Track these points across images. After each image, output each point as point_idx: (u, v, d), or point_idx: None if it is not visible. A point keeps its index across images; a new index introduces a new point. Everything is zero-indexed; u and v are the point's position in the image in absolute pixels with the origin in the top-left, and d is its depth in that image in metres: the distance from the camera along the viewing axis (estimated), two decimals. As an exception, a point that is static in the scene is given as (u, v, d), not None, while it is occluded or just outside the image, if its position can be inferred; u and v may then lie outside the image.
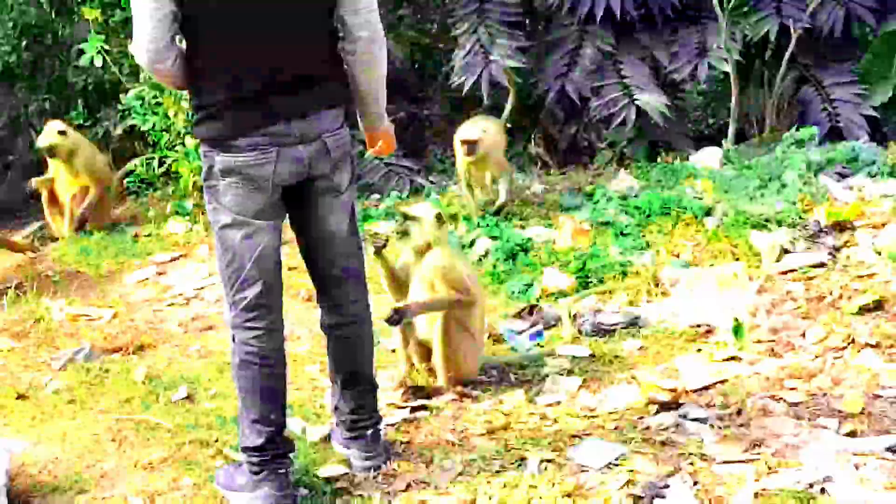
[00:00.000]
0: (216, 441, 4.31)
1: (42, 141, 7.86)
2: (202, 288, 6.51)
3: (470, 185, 7.25)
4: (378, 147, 4.22)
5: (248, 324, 3.77)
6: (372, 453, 4.06)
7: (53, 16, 9.27)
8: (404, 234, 4.73)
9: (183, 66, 3.62)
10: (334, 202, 3.80)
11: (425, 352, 4.81)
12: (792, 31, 8.13)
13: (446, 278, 4.65)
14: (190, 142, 7.80)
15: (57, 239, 7.97)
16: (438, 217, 4.70)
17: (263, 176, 3.62)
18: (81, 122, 8.88)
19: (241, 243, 3.68)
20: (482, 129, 7.11)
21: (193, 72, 3.62)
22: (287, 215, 3.83)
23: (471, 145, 7.00)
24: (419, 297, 4.70)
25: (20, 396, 4.98)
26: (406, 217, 4.73)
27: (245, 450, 3.84)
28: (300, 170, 3.66)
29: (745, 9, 8.38)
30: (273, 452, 3.81)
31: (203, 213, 7.63)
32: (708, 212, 6.19)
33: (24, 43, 8.89)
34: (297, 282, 6.38)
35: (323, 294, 4.01)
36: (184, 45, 3.62)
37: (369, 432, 4.08)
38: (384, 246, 4.72)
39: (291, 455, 3.94)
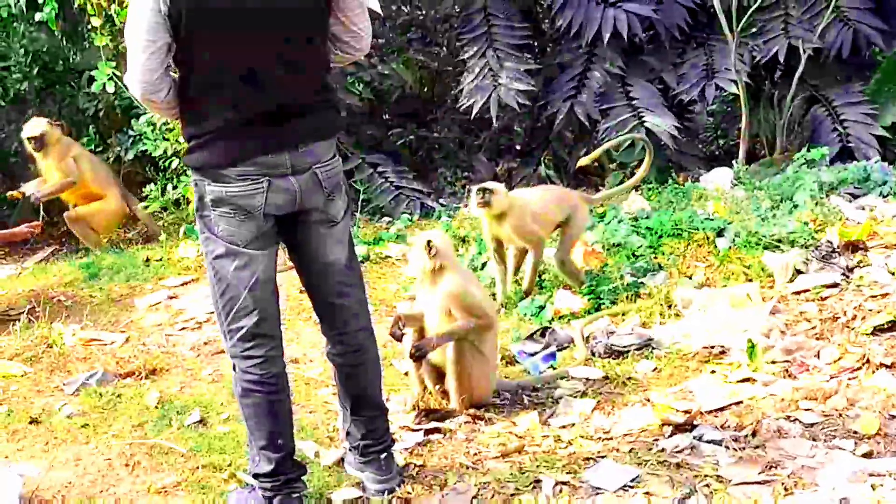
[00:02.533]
0: (229, 465, 4.29)
1: (31, 130, 8.00)
2: (213, 313, 6.50)
3: (499, 256, 6.15)
4: None
5: (247, 353, 3.77)
6: (385, 476, 4.04)
7: (64, 42, 9.32)
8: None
9: (175, 96, 3.64)
10: (330, 233, 3.81)
11: (438, 374, 4.80)
12: (801, 51, 8.14)
13: (462, 304, 4.63)
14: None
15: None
16: (428, 245, 4.64)
17: (254, 206, 3.62)
18: (93, 147, 8.92)
19: (234, 273, 3.68)
20: (505, 190, 5.97)
21: (185, 101, 3.65)
22: (282, 243, 3.84)
23: (485, 193, 5.88)
24: (435, 324, 4.69)
25: (33, 421, 4.97)
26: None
27: (256, 476, 3.86)
28: (291, 200, 3.67)
29: (754, 30, 8.40)
30: (285, 477, 3.82)
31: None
32: (720, 233, 6.17)
33: (35, 70, 8.93)
34: (309, 305, 6.38)
35: (325, 323, 4.02)
36: (176, 75, 3.64)
37: (382, 456, 4.06)
38: (402, 336, 4.81)
39: (304, 478, 3.94)
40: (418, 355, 4.68)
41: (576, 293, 5.88)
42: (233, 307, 3.73)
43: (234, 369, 3.84)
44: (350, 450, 4.16)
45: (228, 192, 3.61)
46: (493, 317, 4.74)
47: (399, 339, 4.83)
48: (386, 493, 4.00)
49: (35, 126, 8.03)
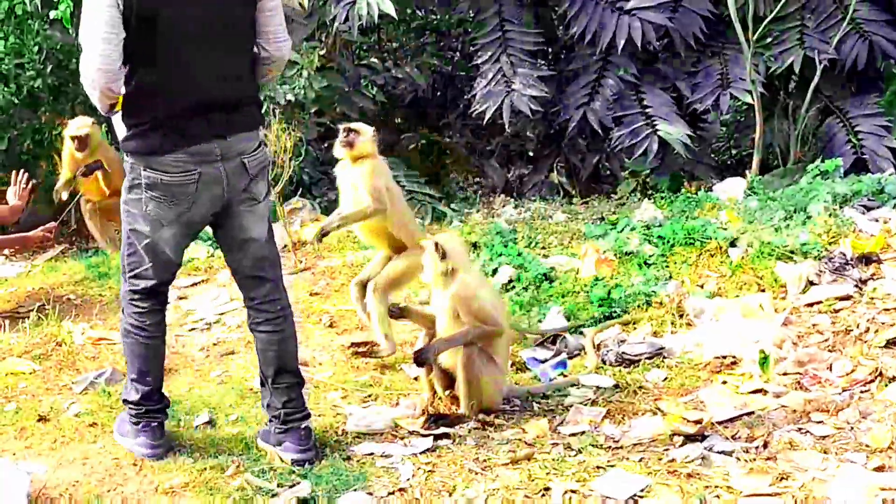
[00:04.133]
0: (238, 466, 4.28)
1: (77, 130, 7.82)
2: (223, 313, 6.50)
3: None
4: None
5: (135, 304, 4.33)
6: (304, 447, 4.36)
7: (77, 40, 9.31)
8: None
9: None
10: (252, 211, 4.27)
11: (448, 379, 4.78)
12: (816, 62, 8.12)
13: (470, 309, 4.62)
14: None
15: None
16: (437, 248, 4.67)
17: (186, 193, 4.09)
18: (105, 145, 8.91)
19: (146, 246, 4.20)
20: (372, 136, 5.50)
21: (127, 93, 4.05)
22: (202, 228, 4.35)
23: (349, 133, 5.41)
24: (443, 326, 4.68)
25: (41, 419, 4.96)
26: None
27: (125, 402, 4.47)
28: (220, 191, 4.14)
29: (769, 40, 8.37)
30: (147, 407, 4.42)
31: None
32: (733, 243, 6.14)
33: (48, 68, 8.94)
34: (320, 308, 6.40)
35: (247, 296, 4.43)
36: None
37: (302, 426, 4.39)
38: (400, 314, 4.90)
39: (167, 411, 4.52)
40: (421, 360, 4.69)
41: (568, 311, 5.85)
42: (135, 268, 4.28)
43: (123, 312, 4.39)
44: (270, 420, 4.45)
45: (164, 179, 4.07)
46: (502, 323, 4.72)
47: (396, 316, 4.96)
48: (305, 464, 4.30)
49: (81, 126, 7.84)
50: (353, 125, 5.45)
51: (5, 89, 8.93)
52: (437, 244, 4.67)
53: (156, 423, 4.44)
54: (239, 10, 4.11)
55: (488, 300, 4.70)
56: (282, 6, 4.30)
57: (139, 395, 4.41)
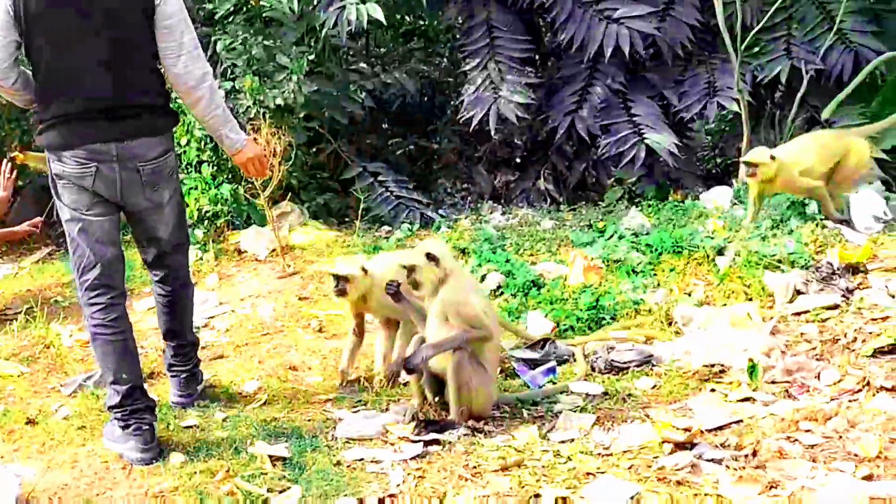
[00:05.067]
0: (227, 470, 4.28)
1: None
2: (212, 317, 6.51)
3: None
4: (250, 171, 4.97)
5: (92, 300, 4.53)
6: (184, 392, 5.03)
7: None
8: (415, 284, 4.74)
9: (29, 85, 4.45)
10: (157, 216, 4.64)
11: (438, 385, 4.79)
12: (803, 72, 8.17)
13: (460, 313, 4.64)
14: (205, 171, 7.85)
15: None
16: (428, 256, 4.68)
17: (84, 185, 4.42)
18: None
19: (79, 234, 4.50)
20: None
21: (36, 90, 4.43)
22: (116, 212, 4.59)
23: (339, 281, 5.21)
24: (434, 331, 4.69)
25: (30, 422, 4.97)
26: (408, 269, 4.73)
27: (110, 409, 4.58)
28: (113, 188, 4.45)
29: (756, 49, 8.41)
30: (131, 408, 4.50)
31: (213, 242, 7.66)
32: (720, 251, 6.18)
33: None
34: (309, 312, 6.40)
35: (151, 270, 4.89)
36: (29, 70, 4.44)
37: (183, 375, 5.02)
38: (398, 289, 4.80)
39: (154, 411, 4.62)
40: (409, 369, 4.69)
41: (551, 315, 5.88)
42: (80, 262, 4.53)
43: (85, 318, 4.62)
44: (166, 369, 5.10)
45: (65, 170, 4.42)
46: (491, 328, 4.72)
47: (392, 293, 4.81)
48: (183, 405, 4.99)
49: None
50: (343, 272, 5.16)
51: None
52: (428, 253, 4.68)
53: (146, 426, 4.50)
54: (135, 25, 4.40)
55: (478, 304, 4.72)
56: (183, 26, 4.48)
57: (120, 395, 4.52)
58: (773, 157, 6.43)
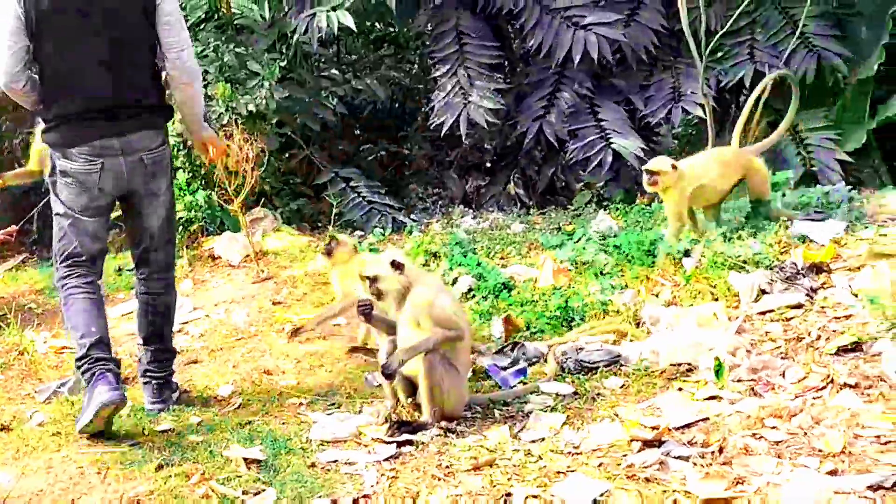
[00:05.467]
0: (202, 473, 4.31)
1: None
2: (186, 322, 6.54)
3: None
4: (211, 153, 5.32)
5: (69, 270, 4.85)
6: (156, 399, 5.09)
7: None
8: (378, 294, 4.80)
9: (35, 87, 4.74)
10: (153, 203, 4.92)
11: (411, 387, 4.84)
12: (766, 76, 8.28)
13: (431, 315, 4.70)
14: (180, 177, 7.88)
15: None
16: (393, 264, 4.75)
17: (90, 181, 4.74)
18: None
19: (69, 228, 4.82)
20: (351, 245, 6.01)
21: (42, 91, 4.74)
22: (110, 210, 4.92)
23: (330, 241, 5.93)
24: (405, 336, 4.75)
25: (4, 428, 4.98)
26: (370, 279, 4.78)
27: (77, 366, 4.80)
28: (120, 180, 4.77)
29: (720, 54, 8.53)
30: (96, 356, 4.72)
31: (186, 248, 7.69)
32: (686, 253, 6.26)
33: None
34: (283, 317, 6.45)
35: (138, 269, 5.09)
36: (35, 73, 4.71)
37: (155, 384, 5.09)
38: (371, 310, 4.87)
39: (118, 365, 4.88)
40: (388, 373, 4.74)
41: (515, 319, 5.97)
42: (65, 250, 4.85)
43: (59, 290, 4.89)
44: (140, 375, 5.16)
45: (72, 167, 4.72)
46: (463, 327, 4.78)
47: (363, 312, 4.88)
48: (157, 410, 5.03)
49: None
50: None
51: (-37, 101, 8.90)
52: (393, 261, 4.76)
53: (109, 371, 4.72)
54: (135, 24, 4.73)
55: (448, 305, 4.78)
56: (181, 23, 4.84)
57: (86, 348, 4.74)
58: (674, 167, 6.41)
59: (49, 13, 4.63)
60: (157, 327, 5.12)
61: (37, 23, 4.63)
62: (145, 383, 5.13)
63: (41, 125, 7.45)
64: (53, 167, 4.83)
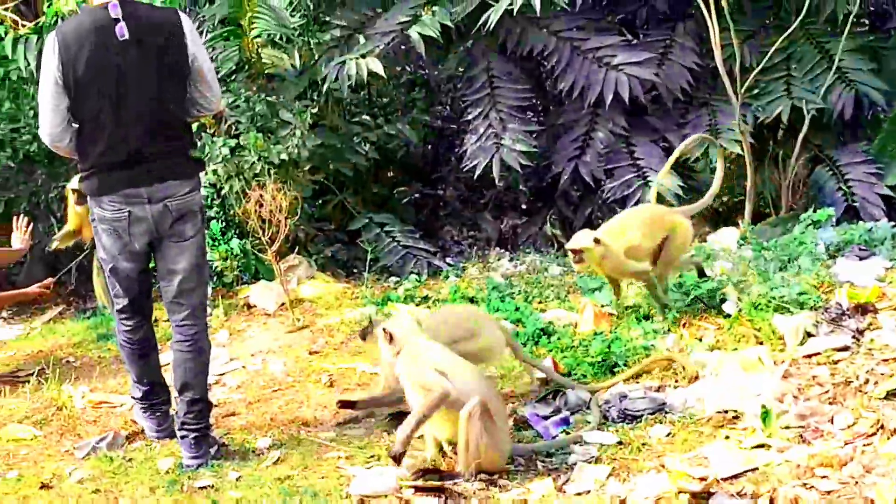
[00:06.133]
0: (243, 531, 4.28)
1: (77, 184, 7.78)
2: (223, 374, 6.51)
3: None
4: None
5: (122, 321, 5.35)
6: (194, 454, 5.13)
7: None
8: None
9: (76, 139, 5.06)
10: (179, 248, 5.14)
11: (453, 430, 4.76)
12: (804, 112, 8.20)
13: (414, 384, 4.73)
14: (214, 227, 7.88)
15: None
16: (384, 332, 4.87)
17: (121, 227, 5.05)
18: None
19: (111, 272, 5.22)
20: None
21: (79, 144, 5.06)
22: (145, 255, 5.20)
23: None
24: (412, 398, 4.78)
25: (44, 486, 4.96)
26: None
27: (133, 398, 5.61)
28: (148, 226, 5.05)
29: (756, 91, 8.45)
30: (150, 402, 5.49)
31: (222, 298, 7.68)
32: (723, 298, 6.17)
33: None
34: (320, 366, 6.41)
35: (171, 315, 5.27)
36: (75, 126, 5.04)
37: (192, 436, 5.14)
38: (367, 333, 5.26)
39: (169, 401, 5.50)
40: (397, 458, 4.69)
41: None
42: (113, 289, 5.30)
43: (116, 328, 5.46)
44: (178, 429, 5.24)
45: (104, 214, 5.07)
46: (445, 386, 4.65)
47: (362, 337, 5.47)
48: (195, 466, 5.08)
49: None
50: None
51: (1, 153, 8.95)
52: (384, 329, 4.85)
53: (160, 413, 5.50)
54: (168, 85, 5.04)
55: (430, 366, 4.71)
56: (212, 75, 5.22)
57: (141, 393, 5.49)
58: (597, 241, 6.17)
59: (85, 77, 4.92)
60: (191, 375, 5.19)
61: (74, 85, 4.93)
62: (182, 437, 5.15)
63: (73, 184, 7.68)
64: (93, 216, 5.20)
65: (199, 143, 5.20)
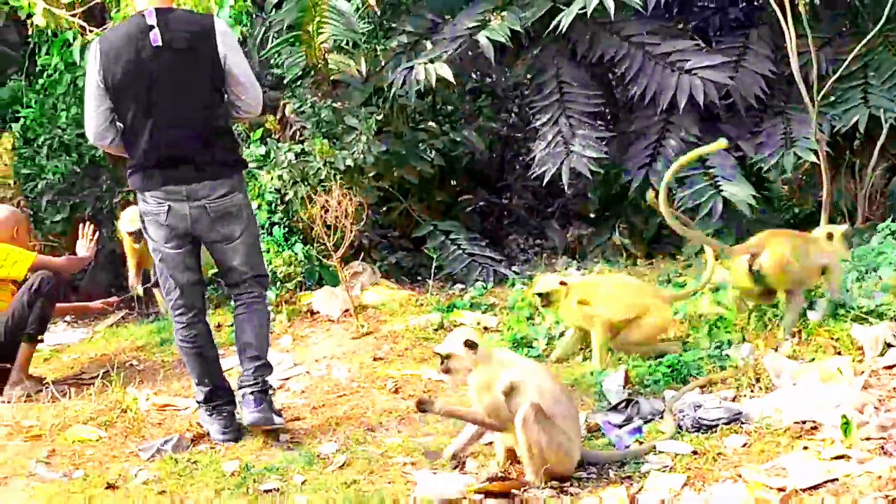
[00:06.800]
0: (308, 535, 4.20)
1: (131, 224, 7.86)
2: (287, 378, 6.46)
3: None
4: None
5: (177, 318, 5.50)
6: (254, 409, 5.37)
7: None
8: (447, 371, 4.84)
9: (121, 137, 5.35)
10: (229, 248, 5.43)
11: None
12: (882, 120, 8.00)
13: (480, 399, 4.70)
14: (277, 233, 7.86)
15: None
16: (467, 343, 4.77)
17: (161, 219, 5.32)
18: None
19: (160, 263, 5.46)
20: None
21: (124, 143, 5.35)
22: (192, 247, 5.44)
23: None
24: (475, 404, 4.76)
25: (110, 487, 4.94)
26: (441, 357, 4.83)
27: (197, 402, 5.61)
28: (184, 222, 5.31)
29: (833, 98, 8.25)
30: (214, 404, 5.50)
31: (285, 304, 7.64)
32: (810, 305, 6.00)
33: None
34: (385, 373, 6.34)
35: (231, 290, 5.63)
36: (120, 126, 5.33)
37: (251, 392, 5.39)
38: (427, 408, 4.89)
39: (233, 402, 5.51)
40: (422, 408, 4.86)
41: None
42: (165, 285, 5.50)
43: (174, 328, 5.57)
44: (239, 388, 5.48)
45: (147, 208, 5.36)
46: (497, 422, 4.69)
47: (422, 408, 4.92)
48: (256, 423, 5.37)
49: (133, 219, 7.77)
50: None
51: (68, 158, 9.05)
52: (466, 340, 4.77)
53: (225, 414, 5.50)
54: (202, 90, 5.29)
55: (494, 397, 4.67)
56: (248, 78, 5.37)
57: (203, 395, 5.53)
58: (563, 283, 6.07)
59: (122, 82, 5.21)
60: (251, 335, 5.47)
61: (114, 90, 5.23)
62: (244, 396, 5.42)
63: (127, 226, 7.76)
64: (139, 208, 5.48)
65: (241, 147, 5.27)
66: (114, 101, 5.26)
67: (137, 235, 7.72)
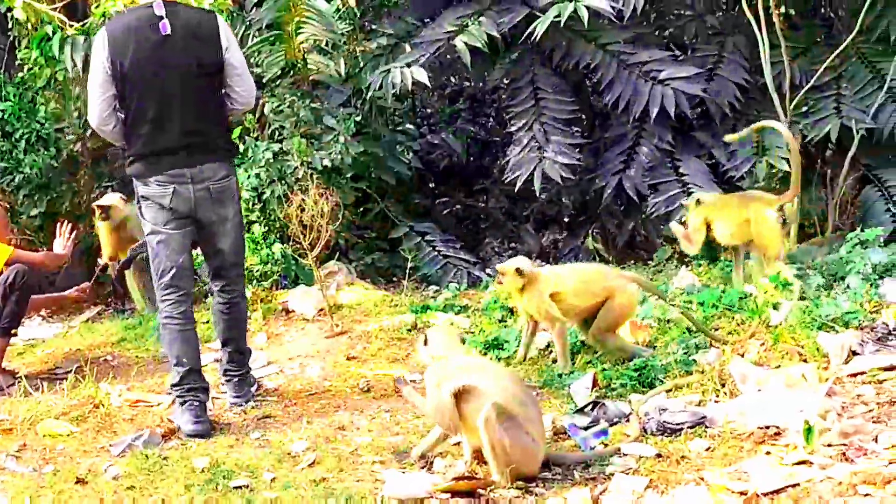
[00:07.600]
0: (276, 532, 4.24)
1: (102, 200, 8.23)
2: (261, 377, 6.49)
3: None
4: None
5: (165, 296, 5.62)
6: (238, 394, 5.93)
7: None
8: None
9: (122, 128, 5.54)
10: (221, 229, 5.68)
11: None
12: (854, 131, 8.10)
13: (429, 395, 4.88)
14: (256, 230, 7.89)
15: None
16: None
17: (164, 202, 5.51)
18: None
19: (157, 245, 5.60)
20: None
21: (126, 131, 5.54)
22: (191, 228, 5.62)
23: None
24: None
25: (79, 482, 4.94)
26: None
27: (171, 386, 5.66)
28: (188, 203, 5.52)
29: (805, 108, 8.36)
30: (187, 386, 5.57)
31: (261, 302, 7.67)
32: (774, 306, 6.09)
33: (88, 132, 9.01)
34: (357, 372, 6.38)
35: (214, 281, 5.86)
36: (122, 115, 5.52)
37: (236, 378, 5.92)
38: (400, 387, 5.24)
39: (207, 392, 5.66)
40: (396, 386, 5.39)
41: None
42: (158, 267, 5.62)
43: (160, 314, 5.70)
44: (221, 374, 6.00)
45: (150, 192, 5.53)
46: (440, 421, 4.85)
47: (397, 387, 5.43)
48: (240, 405, 5.88)
49: (107, 198, 8.29)
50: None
51: (46, 153, 9.04)
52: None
53: (197, 403, 5.55)
54: (204, 80, 5.53)
55: (435, 400, 4.82)
56: (244, 71, 5.68)
57: (179, 376, 5.58)
58: (519, 271, 6.09)
59: (131, 69, 5.41)
60: (233, 331, 5.88)
61: (121, 77, 5.42)
62: (227, 381, 5.95)
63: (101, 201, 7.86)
64: (137, 195, 5.62)
65: (238, 145, 5.44)
66: (120, 89, 5.44)
67: (103, 211, 7.87)
